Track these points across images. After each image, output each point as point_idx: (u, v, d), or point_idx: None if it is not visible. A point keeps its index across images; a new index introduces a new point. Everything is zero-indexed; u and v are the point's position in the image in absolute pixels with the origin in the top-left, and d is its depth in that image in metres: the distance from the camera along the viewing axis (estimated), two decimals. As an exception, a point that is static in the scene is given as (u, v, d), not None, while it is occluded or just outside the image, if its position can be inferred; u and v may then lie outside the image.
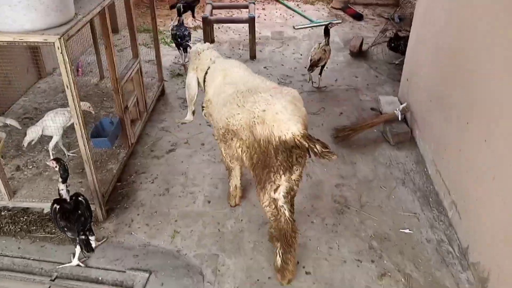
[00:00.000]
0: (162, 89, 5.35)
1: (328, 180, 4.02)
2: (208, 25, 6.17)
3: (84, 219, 2.96)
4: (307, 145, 2.49)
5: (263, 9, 8.65)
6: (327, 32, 5.55)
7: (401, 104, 4.82)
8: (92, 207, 3.20)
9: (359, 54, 6.55)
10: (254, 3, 6.72)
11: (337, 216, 3.60)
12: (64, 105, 4.45)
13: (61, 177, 2.93)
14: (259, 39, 7.18)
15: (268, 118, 2.56)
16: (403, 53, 6.09)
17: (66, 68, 2.73)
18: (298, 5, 8.86)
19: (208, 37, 6.90)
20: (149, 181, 3.97)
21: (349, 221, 3.56)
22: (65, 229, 2.97)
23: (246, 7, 6.74)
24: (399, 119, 4.61)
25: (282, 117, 2.53)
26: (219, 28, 7.46)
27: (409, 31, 7.47)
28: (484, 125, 3.02)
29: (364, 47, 6.78)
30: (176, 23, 6.19)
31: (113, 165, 3.87)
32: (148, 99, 4.88)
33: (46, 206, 3.43)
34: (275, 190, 2.70)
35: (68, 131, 4.02)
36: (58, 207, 2.97)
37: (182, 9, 6.13)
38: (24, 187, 3.57)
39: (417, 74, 4.57)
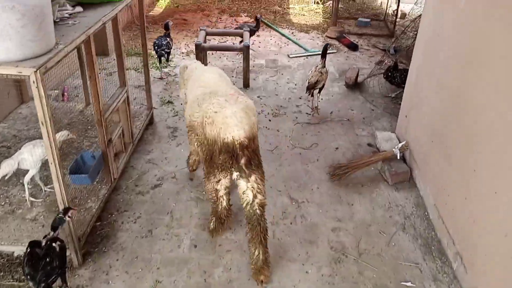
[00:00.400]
0: (151, 117, 5.10)
1: (324, 223, 3.77)
2: (201, 51, 5.99)
3: (51, 269, 2.63)
4: (238, 151, 2.82)
5: (258, 35, 8.52)
6: (324, 53, 5.50)
7: (400, 142, 4.64)
8: (68, 252, 2.90)
9: (354, 85, 6.40)
10: (248, 31, 6.57)
11: (334, 265, 3.34)
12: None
13: (52, 226, 2.69)
14: (253, 67, 7.02)
15: (218, 120, 2.85)
16: (398, 85, 5.96)
17: (41, 103, 2.48)
18: (292, 33, 8.76)
19: (201, 63, 6.72)
20: (131, 220, 3.68)
21: (347, 271, 3.29)
22: (28, 276, 2.65)
23: (241, 34, 6.58)
24: (398, 157, 4.41)
25: (230, 122, 2.82)
26: (212, 54, 7.29)
27: (405, 64, 7.46)
28: (494, 175, 2.82)
29: (360, 78, 6.65)
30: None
31: (93, 203, 3.58)
32: (135, 129, 4.63)
33: (17, 249, 3.12)
34: (217, 183, 3.11)
35: (46, 163, 3.74)
36: (28, 250, 2.67)
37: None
38: (-7, 227, 3.26)
39: (417, 110, 4.40)
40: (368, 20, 9.25)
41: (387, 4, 9.82)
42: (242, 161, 2.84)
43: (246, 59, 6.09)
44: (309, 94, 5.64)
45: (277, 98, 6.03)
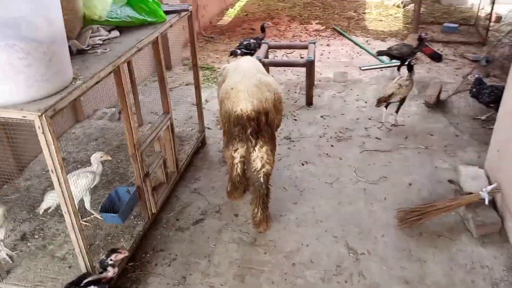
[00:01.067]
0: (202, 139, 4.77)
1: (388, 285, 3.12)
2: (260, 67, 5.54)
3: None
4: (245, 123, 3.16)
5: (328, 45, 7.90)
6: (410, 69, 5.06)
7: (490, 182, 3.80)
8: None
9: (436, 105, 5.54)
10: (314, 43, 6.00)
11: None
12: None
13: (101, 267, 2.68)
14: (319, 81, 6.43)
15: (232, 95, 3.20)
16: (487, 104, 5.01)
17: (50, 150, 2.19)
18: (367, 41, 8.00)
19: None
20: (166, 263, 3.34)
21: None
22: None
23: (306, 47, 6.04)
24: (486, 203, 3.59)
25: (241, 96, 3.15)
26: (276, 67, 6.83)
27: (499, 77, 6.38)
28: None
29: (443, 95, 5.77)
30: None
31: (126, 242, 3.29)
32: (183, 154, 4.32)
33: (39, 292, 2.92)
34: (234, 151, 3.39)
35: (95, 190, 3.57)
36: None
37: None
38: (21, 265, 3.10)
39: (514, 147, 3.54)
40: (456, 25, 8.17)
41: (478, 6, 8.63)
42: (248, 131, 3.17)
43: (310, 75, 5.54)
44: (379, 106, 5.13)
45: (343, 119, 5.39)
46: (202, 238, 3.57)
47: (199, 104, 4.65)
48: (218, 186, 4.19)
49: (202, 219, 3.77)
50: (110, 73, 2.73)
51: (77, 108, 4.93)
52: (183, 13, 3.87)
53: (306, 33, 8.60)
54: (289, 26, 9.02)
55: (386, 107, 5.16)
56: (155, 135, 3.49)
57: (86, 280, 2.65)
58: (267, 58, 6.08)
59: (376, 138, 4.94)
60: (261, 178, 3.41)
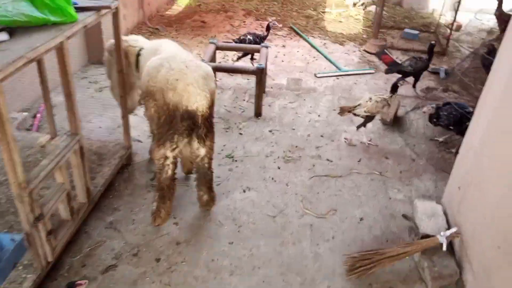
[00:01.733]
0: (127, 157, 4.08)
1: None
2: (203, 72, 4.88)
3: None
4: (199, 123, 3.06)
5: (283, 46, 7.34)
6: (395, 89, 4.64)
7: (447, 222, 3.41)
8: None
9: (393, 123, 5.13)
10: (267, 47, 5.41)
11: None
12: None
13: None
14: (271, 88, 5.86)
15: (180, 88, 2.97)
16: (446, 127, 4.64)
17: None
18: (325, 44, 7.50)
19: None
20: (60, 329, 2.68)
21: None
22: None
23: (258, 51, 5.43)
24: (444, 248, 3.17)
25: (192, 90, 2.98)
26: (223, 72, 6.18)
27: (457, 93, 6.08)
28: None
29: (401, 111, 5.37)
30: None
31: (8, 303, 2.59)
32: (100, 178, 3.61)
33: None
34: (172, 150, 3.16)
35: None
36: None
37: None
38: None
39: (479, 189, 3.12)
40: (417, 32, 7.83)
41: (440, 13, 8.36)
42: (200, 131, 3.10)
43: (260, 83, 4.94)
44: (341, 115, 4.80)
45: (294, 135, 4.85)
46: (110, 294, 2.92)
47: (125, 116, 3.94)
48: (139, 218, 3.53)
49: (115, 266, 3.11)
50: (-31, 97, 2.00)
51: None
52: (104, 11, 3.13)
53: (261, 30, 7.91)
54: (244, 22, 8.36)
55: (364, 125, 4.68)
56: (55, 165, 2.77)
57: None
58: (214, 61, 5.43)
59: (328, 160, 4.45)
60: (206, 164, 3.39)
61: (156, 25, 7.78)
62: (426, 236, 3.30)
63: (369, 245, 3.42)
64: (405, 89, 6.04)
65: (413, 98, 5.73)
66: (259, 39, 5.97)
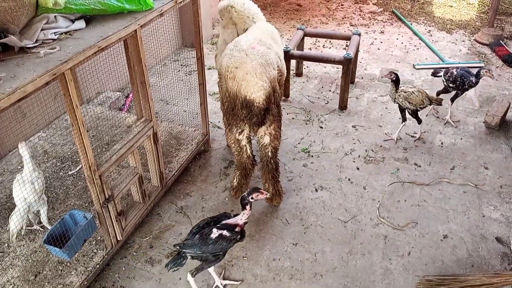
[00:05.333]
0: (204, 144, 4.12)
1: None
2: (288, 60, 4.71)
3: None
4: (256, 113, 2.99)
5: (381, 32, 6.81)
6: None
7: (553, 259, 2.87)
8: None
9: (499, 127, 4.48)
10: (359, 35, 5.04)
11: None
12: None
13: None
14: (361, 78, 5.49)
15: (239, 76, 2.93)
16: None
17: None
18: (429, 31, 6.80)
19: (296, 68, 5.47)
20: (121, 308, 2.81)
21: None
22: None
23: (348, 38, 5.09)
24: (544, 287, 2.69)
25: (250, 79, 2.91)
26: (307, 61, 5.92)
27: None
28: None
29: (510, 115, 4.67)
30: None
31: (77, 276, 2.77)
32: (175, 163, 3.70)
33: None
34: (240, 133, 3.22)
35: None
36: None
37: None
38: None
39: None
40: (544, 20, 6.73)
41: None
42: (254, 119, 3.03)
43: (347, 74, 4.63)
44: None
45: (380, 132, 4.49)
46: (172, 279, 2.98)
47: (203, 103, 3.96)
48: (208, 206, 3.56)
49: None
50: (46, 84, 2.10)
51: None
52: (181, -3, 3.12)
53: (360, 15, 7.51)
54: (342, 5, 7.93)
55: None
56: (127, 149, 2.87)
57: (224, 222, 2.68)
58: (302, 48, 5.22)
59: (415, 164, 4.04)
60: (269, 153, 3.31)
61: (251, 7, 7.72)
62: (522, 268, 2.83)
63: (450, 268, 3.04)
64: (520, 88, 5.25)
65: (528, 100, 4.94)
66: (470, 78, 4.31)
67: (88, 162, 2.52)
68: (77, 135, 2.41)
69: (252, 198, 2.65)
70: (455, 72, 4.36)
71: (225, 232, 2.59)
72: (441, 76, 4.56)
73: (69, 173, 3.62)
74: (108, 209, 2.79)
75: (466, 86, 4.36)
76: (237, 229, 2.64)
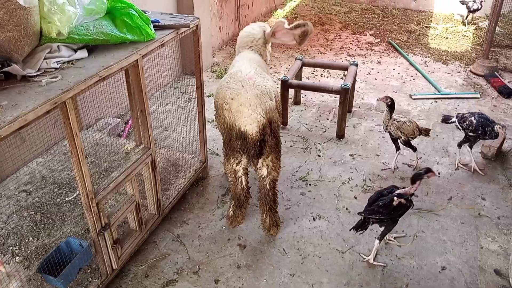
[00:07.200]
0: (202, 171, 4.13)
1: None
2: (286, 90, 4.78)
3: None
4: (250, 145, 3.02)
5: (378, 62, 6.94)
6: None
7: (552, 293, 2.85)
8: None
9: (496, 157, 4.51)
10: (356, 66, 5.13)
11: None
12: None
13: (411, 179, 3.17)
14: (359, 107, 5.55)
15: (234, 107, 3.00)
16: None
17: None
18: (426, 62, 6.93)
19: (294, 97, 5.54)
20: (115, 337, 2.76)
21: None
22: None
23: (346, 68, 5.18)
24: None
25: (244, 111, 2.97)
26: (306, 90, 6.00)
27: None
28: None
29: (507, 145, 4.71)
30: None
31: (70, 306, 2.73)
32: (173, 190, 3.70)
33: None
34: (237, 164, 3.22)
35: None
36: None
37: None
38: None
39: None
40: (538, 53, 6.87)
41: None
42: (251, 152, 3.05)
43: (343, 104, 4.69)
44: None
45: (377, 161, 4.52)
46: (167, 307, 2.94)
47: (202, 131, 3.99)
48: (205, 235, 3.53)
49: (175, 281, 3.13)
50: (47, 112, 2.13)
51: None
52: (182, 29, 3.20)
53: (357, 45, 7.65)
54: (340, 35, 8.10)
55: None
56: (125, 177, 2.87)
57: (398, 191, 3.13)
58: (300, 77, 5.31)
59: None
60: (267, 185, 3.31)
61: (251, 37, 7.87)
62: (522, 301, 2.80)
63: (448, 301, 3.01)
64: (515, 118, 5.32)
65: (524, 130, 4.99)
66: (487, 125, 4.12)
67: (85, 189, 2.52)
68: (76, 163, 2.42)
69: (427, 176, 3.04)
70: (474, 121, 4.11)
71: (402, 200, 3.07)
72: (454, 123, 4.32)
73: (66, 199, 3.62)
74: (104, 237, 2.77)
75: (487, 137, 4.14)
76: (410, 198, 3.11)
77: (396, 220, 3.19)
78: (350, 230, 3.33)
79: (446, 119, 4.47)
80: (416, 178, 3.08)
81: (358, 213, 3.22)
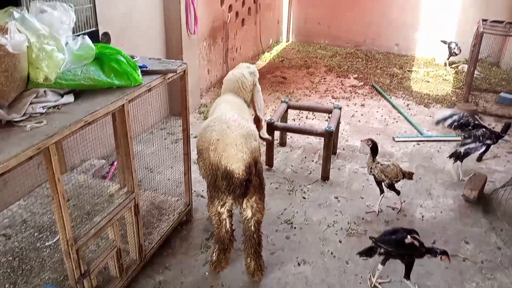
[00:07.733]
0: (187, 213, 4.09)
1: None
2: (272, 131, 4.85)
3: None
4: (236, 184, 3.01)
5: (362, 105, 7.11)
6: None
7: None
8: None
9: (478, 200, 4.57)
10: (340, 109, 5.26)
11: None
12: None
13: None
14: (343, 149, 5.64)
15: (220, 148, 3.05)
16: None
17: None
18: (408, 105, 7.13)
19: (280, 138, 5.60)
20: None
21: None
22: None
23: (330, 111, 5.30)
24: None
25: (230, 150, 3.01)
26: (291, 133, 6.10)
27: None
28: None
29: (488, 188, 4.79)
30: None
31: None
32: (156, 234, 3.65)
33: None
34: (221, 206, 3.26)
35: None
36: None
37: None
38: None
39: None
40: (515, 97, 7.13)
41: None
42: (237, 192, 3.05)
43: (327, 147, 4.76)
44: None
45: (362, 204, 4.54)
46: None
47: (187, 173, 3.99)
48: (187, 282, 3.46)
49: (154, 332, 3.04)
50: (30, 158, 2.13)
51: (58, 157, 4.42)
52: (170, 74, 3.28)
53: (341, 88, 7.86)
54: (324, 78, 8.32)
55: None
56: (106, 222, 2.84)
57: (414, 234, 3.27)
58: (286, 120, 5.40)
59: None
60: (252, 227, 3.32)
61: (238, 79, 8.04)
62: None
63: None
64: (496, 161, 5.44)
65: (503, 173, 5.10)
66: (491, 135, 4.90)
67: (66, 236, 2.49)
68: (57, 209, 2.40)
69: (441, 258, 3.24)
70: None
71: (416, 242, 3.15)
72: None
73: (46, 244, 3.53)
74: (83, 285, 2.69)
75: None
76: (424, 250, 3.20)
77: (410, 259, 3.29)
78: (356, 254, 3.40)
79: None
80: (430, 253, 3.25)
81: (370, 238, 3.35)
